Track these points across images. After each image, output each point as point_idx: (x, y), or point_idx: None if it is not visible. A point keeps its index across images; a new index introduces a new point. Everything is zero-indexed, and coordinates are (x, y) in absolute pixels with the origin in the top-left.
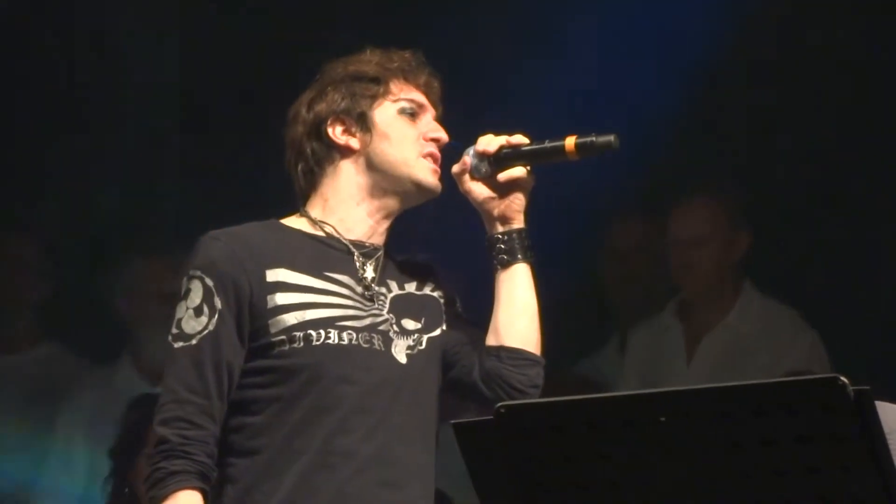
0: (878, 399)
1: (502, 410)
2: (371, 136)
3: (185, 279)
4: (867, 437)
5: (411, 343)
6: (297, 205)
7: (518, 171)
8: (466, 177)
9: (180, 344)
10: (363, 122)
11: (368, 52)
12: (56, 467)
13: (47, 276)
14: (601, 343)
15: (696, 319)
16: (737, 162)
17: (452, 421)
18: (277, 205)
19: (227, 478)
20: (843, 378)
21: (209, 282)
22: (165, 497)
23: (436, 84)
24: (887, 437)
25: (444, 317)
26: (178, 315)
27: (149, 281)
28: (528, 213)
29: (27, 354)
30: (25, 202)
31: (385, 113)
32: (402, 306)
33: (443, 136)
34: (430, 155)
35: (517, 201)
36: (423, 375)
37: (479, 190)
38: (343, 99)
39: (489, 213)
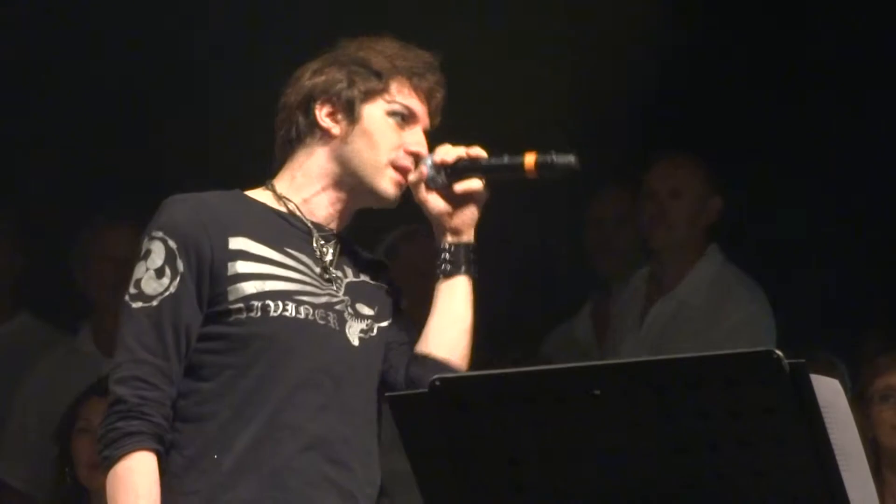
0: (815, 373)
1: (437, 383)
2: (353, 129)
3: (145, 239)
4: (802, 410)
5: (364, 327)
6: (269, 169)
7: (475, 185)
8: (422, 186)
9: (139, 304)
10: (350, 112)
11: (387, 41)
12: (10, 443)
13: (22, 249)
14: (578, 308)
15: (656, 286)
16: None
17: (387, 393)
18: (235, 176)
19: (173, 443)
20: (777, 352)
21: (172, 244)
22: (120, 458)
23: (439, 95)
24: (822, 410)
25: (391, 311)
26: (136, 275)
27: (104, 248)
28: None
29: (2, 327)
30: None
31: (375, 110)
32: (358, 292)
33: (423, 150)
34: (402, 168)
35: (470, 214)
36: (372, 361)
37: (433, 201)
38: (340, 82)
39: (441, 225)
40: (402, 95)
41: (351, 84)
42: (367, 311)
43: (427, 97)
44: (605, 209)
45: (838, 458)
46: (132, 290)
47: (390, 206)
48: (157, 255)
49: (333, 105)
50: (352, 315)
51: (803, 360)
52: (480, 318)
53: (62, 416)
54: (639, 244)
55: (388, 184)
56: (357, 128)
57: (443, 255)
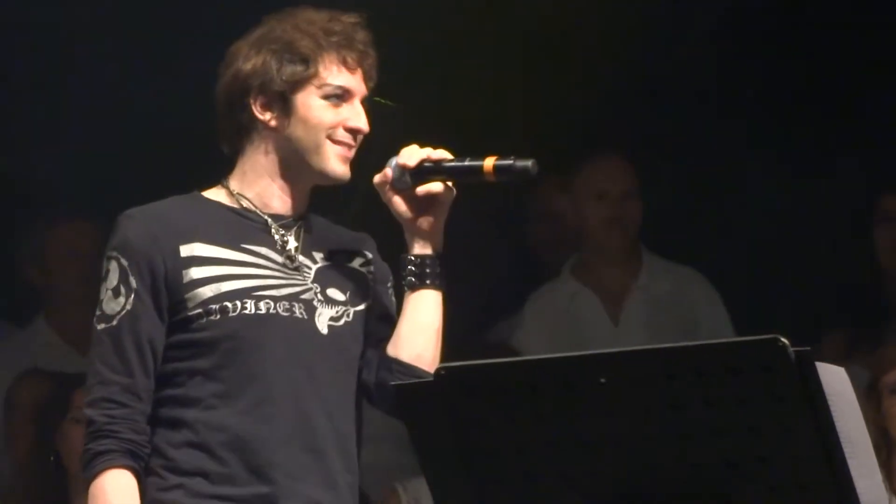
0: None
1: (442, 372)
2: (289, 119)
3: (104, 260)
4: (808, 397)
5: (335, 314)
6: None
7: (436, 187)
8: (387, 188)
9: (102, 325)
10: (284, 104)
11: (311, 14)
12: None
13: None
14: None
15: (604, 282)
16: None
17: (393, 382)
18: (192, 170)
19: (156, 449)
20: (783, 339)
21: (124, 261)
22: (93, 477)
23: (370, 58)
24: (828, 398)
25: (371, 293)
26: (100, 297)
27: (61, 244)
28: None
29: None
30: None
31: (308, 97)
32: (328, 277)
33: (362, 127)
34: (344, 144)
35: (435, 217)
36: (345, 347)
37: (398, 202)
38: (269, 71)
39: (407, 227)
40: (332, 75)
41: (280, 73)
42: (339, 296)
43: (358, 64)
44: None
45: (844, 446)
46: (97, 312)
47: (343, 182)
48: (113, 275)
49: (266, 97)
50: (322, 302)
51: (809, 348)
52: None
53: (45, 402)
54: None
55: (334, 162)
56: (292, 118)
57: (408, 268)
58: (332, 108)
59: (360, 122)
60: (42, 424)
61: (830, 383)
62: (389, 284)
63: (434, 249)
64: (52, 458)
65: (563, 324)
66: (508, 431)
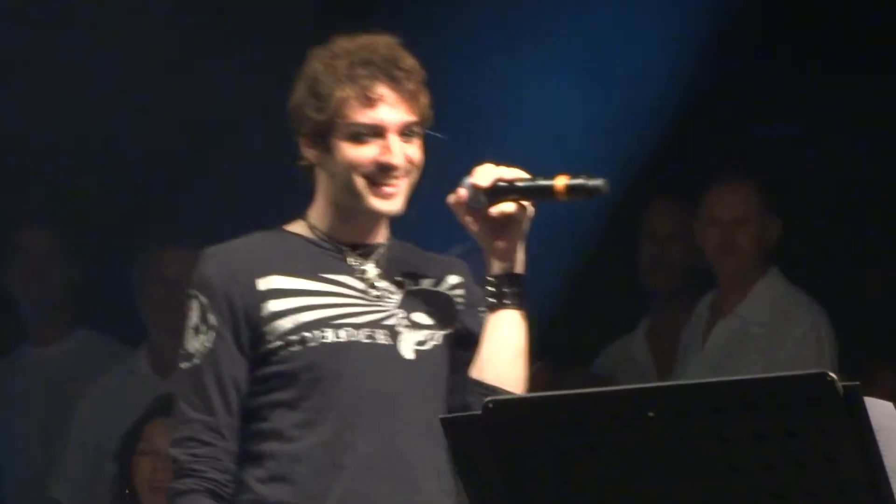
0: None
1: (490, 405)
2: (327, 158)
3: (186, 300)
4: (856, 433)
5: (421, 339)
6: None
7: (509, 207)
8: (462, 208)
9: (185, 364)
10: (321, 142)
11: (343, 44)
12: (66, 464)
13: (67, 268)
14: (633, 326)
15: (717, 308)
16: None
17: (440, 416)
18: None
19: (243, 484)
20: (831, 374)
21: (203, 299)
22: None
23: (407, 85)
24: (876, 433)
25: (458, 317)
26: (184, 335)
27: (158, 269)
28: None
29: (57, 347)
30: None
31: (337, 137)
32: (414, 301)
33: (392, 161)
34: (380, 183)
35: (512, 237)
36: (432, 371)
37: (473, 223)
38: (305, 110)
39: (486, 248)
40: (361, 114)
41: (309, 115)
42: (425, 320)
43: (392, 90)
44: (660, 224)
45: (893, 481)
46: (181, 351)
47: (390, 215)
48: (194, 313)
49: (304, 137)
50: (408, 327)
51: (857, 383)
52: (533, 331)
53: (123, 437)
54: (693, 261)
55: (372, 200)
56: (328, 157)
57: (487, 289)
58: (360, 147)
59: (391, 156)
60: (120, 460)
61: (879, 418)
62: (482, 309)
63: (512, 269)
64: (127, 492)
65: (682, 348)
66: (556, 465)
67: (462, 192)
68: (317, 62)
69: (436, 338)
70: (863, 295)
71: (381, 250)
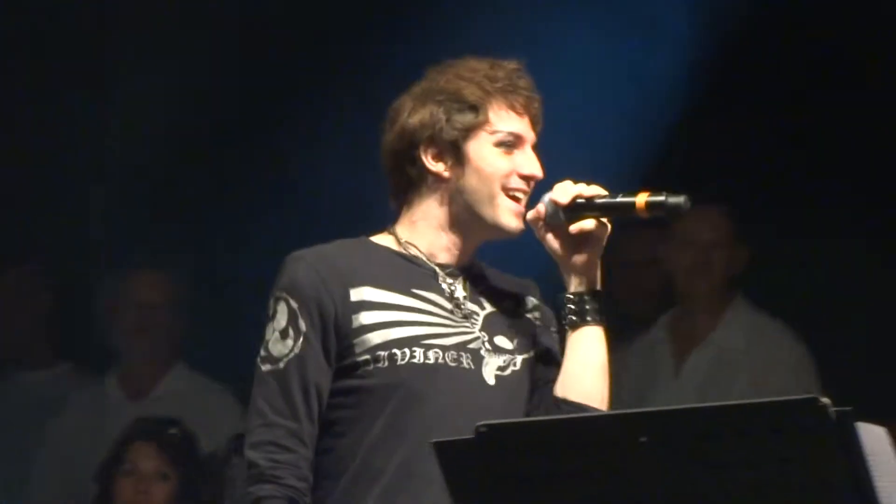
0: (861, 420)
1: (482, 429)
2: (463, 169)
3: (271, 301)
4: (848, 458)
5: (503, 363)
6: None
7: (588, 224)
8: (541, 224)
9: (268, 367)
10: (457, 153)
11: (473, 63)
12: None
13: (47, 295)
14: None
15: (685, 333)
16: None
17: (432, 440)
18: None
19: (317, 501)
20: (823, 399)
21: (293, 304)
22: None
23: (536, 103)
24: (868, 458)
25: (537, 340)
26: (266, 337)
27: (128, 293)
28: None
29: (45, 372)
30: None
31: (480, 145)
32: (495, 325)
33: (537, 173)
34: (519, 191)
35: (590, 253)
36: (512, 396)
37: (552, 239)
38: (438, 122)
39: (563, 264)
40: (503, 122)
41: (450, 122)
42: (507, 344)
43: (526, 110)
44: (634, 252)
45: None
46: (262, 353)
47: (514, 237)
48: (282, 316)
49: (437, 147)
50: (489, 351)
51: (850, 408)
52: None
53: (105, 458)
54: (665, 287)
55: (508, 217)
56: (466, 167)
57: (567, 307)
58: (504, 156)
59: (535, 168)
60: (102, 481)
61: (870, 443)
62: (554, 329)
63: (591, 285)
64: None
65: (639, 374)
66: (549, 490)
67: (541, 209)
68: (449, 77)
69: (516, 362)
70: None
71: (467, 273)
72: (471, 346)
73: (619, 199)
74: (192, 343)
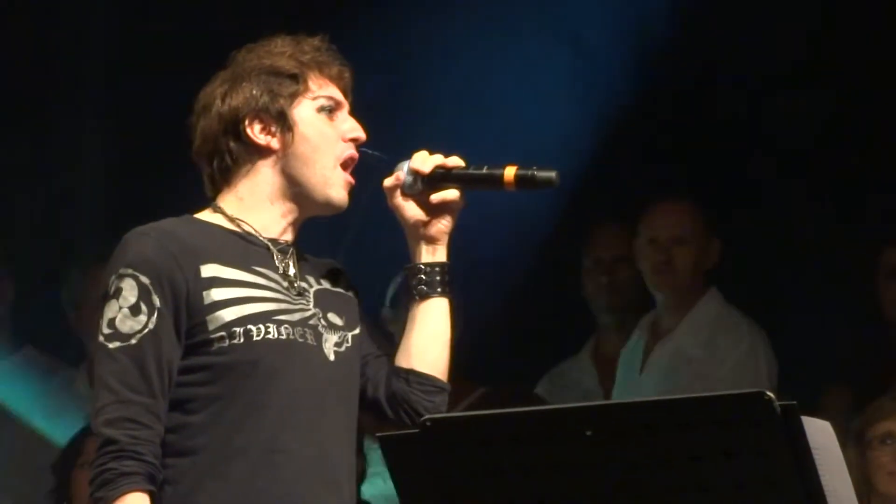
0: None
1: (428, 423)
2: (292, 137)
3: (112, 277)
4: (793, 452)
5: (338, 339)
6: (204, 197)
7: (451, 194)
8: (398, 192)
9: (117, 344)
10: (283, 122)
11: (279, 41)
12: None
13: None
14: (579, 348)
15: (654, 329)
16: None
17: (378, 434)
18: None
19: (166, 479)
20: (769, 393)
21: (144, 279)
22: (114, 499)
23: (347, 74)
24: (814, 452)
25: (358, 316)
26: (108, 315)
27: (93, 290)
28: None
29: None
30: None
31: (304, 111)
32: (326, 301)
33: (361, 135)
34: (350, 158)
35: (445, 224)
36: (349, 373)
37: (408, 208)
38: (261, 95)
39: (415, 233)
40: (322, 88)
41: (272, 93)
42: (338, 321)
43: (339, 80)
44: (604, 249)
45: (829, 500)
46: (106, 331)
47: (341, 210)
48: (130, 293)
49: (263, 120)
50: (325, 327)
51: (794, 402)
52: (477, 357)
53: (63, 450)
54: (636, 283)
55: (338, 190)
56: (295, 134)
57: (418, 276)
58: (328, 121)
59: (358, 130)
60: (59, 473)
61: (816, 437)
62: (362, 306)
63: (441, 256)
64: None
65: (621, 369)
66: (494, 483)
67: (400, 176)
68: (260, 54)
69: (348, 339)
70: (804, 316)
71: (293, 251)
72: (310, 322)
73: (485, 171)
74: None
